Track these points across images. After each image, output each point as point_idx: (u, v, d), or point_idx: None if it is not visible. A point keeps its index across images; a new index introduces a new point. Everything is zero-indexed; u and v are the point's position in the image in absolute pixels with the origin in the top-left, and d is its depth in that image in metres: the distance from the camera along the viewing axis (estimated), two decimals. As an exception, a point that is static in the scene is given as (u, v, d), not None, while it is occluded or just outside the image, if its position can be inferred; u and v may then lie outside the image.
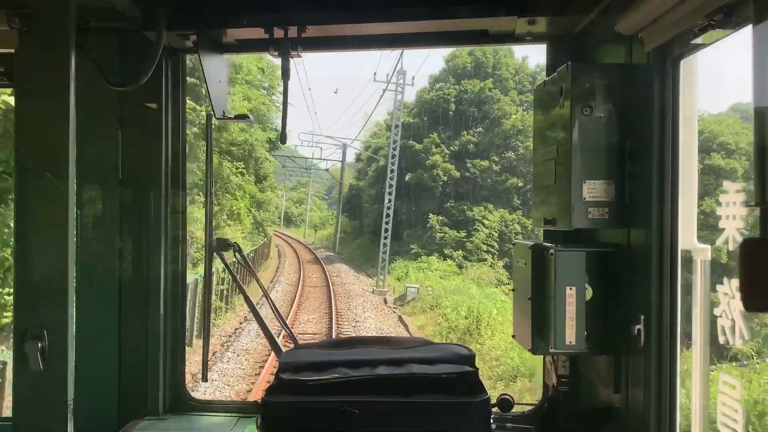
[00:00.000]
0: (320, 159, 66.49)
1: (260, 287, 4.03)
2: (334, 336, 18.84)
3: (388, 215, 37.07)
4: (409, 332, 22.17)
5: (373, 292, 31.45)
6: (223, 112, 3.81)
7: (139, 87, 3.50)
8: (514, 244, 3.65)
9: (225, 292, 22.27)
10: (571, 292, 3.01)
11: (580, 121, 2.96)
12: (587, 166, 2.95)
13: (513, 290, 3.62)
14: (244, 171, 33.34)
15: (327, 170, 66.82)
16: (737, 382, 2.23)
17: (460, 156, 43.86)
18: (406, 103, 44.87)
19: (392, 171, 37.63)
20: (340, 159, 62.32)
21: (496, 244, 40.09)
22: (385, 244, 35.65)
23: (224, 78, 3.87)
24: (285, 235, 73.64)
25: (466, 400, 2.52)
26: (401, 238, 42.37)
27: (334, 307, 24.76)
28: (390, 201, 37.20)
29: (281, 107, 3.99)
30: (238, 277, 4.00)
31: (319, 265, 42.00)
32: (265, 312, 4.37)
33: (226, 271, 3.89)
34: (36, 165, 2.88)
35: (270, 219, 46.17)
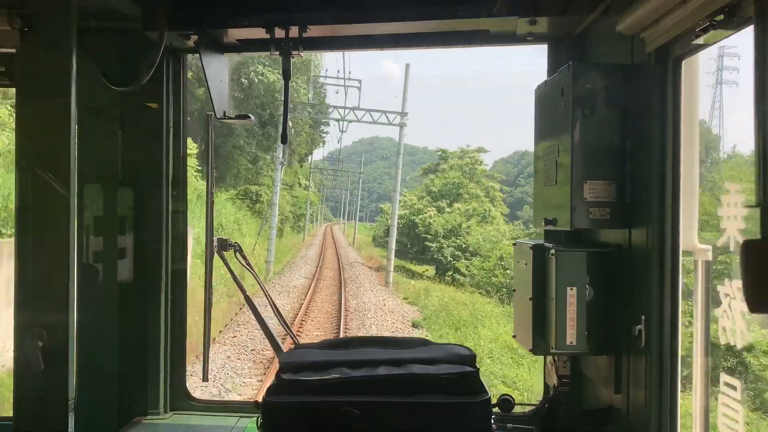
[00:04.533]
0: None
1: (261, 288, 4.02)
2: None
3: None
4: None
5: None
6: (224, 111, 3.81)
7: (140, 87, 3.50)
8: (514, 245, 3.65)
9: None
10: (571, 293, 3.01)
11: (581, 121, 2.96)
12: (588, 167, 2.95)
13: (513, 291, 3.61)
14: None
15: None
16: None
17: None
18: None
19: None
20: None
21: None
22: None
23: (225, 78, 3.87)
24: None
25: (466, 401, 2.52)
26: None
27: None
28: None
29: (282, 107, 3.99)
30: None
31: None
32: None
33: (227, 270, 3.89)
34: (36, 165, 2.88)
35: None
